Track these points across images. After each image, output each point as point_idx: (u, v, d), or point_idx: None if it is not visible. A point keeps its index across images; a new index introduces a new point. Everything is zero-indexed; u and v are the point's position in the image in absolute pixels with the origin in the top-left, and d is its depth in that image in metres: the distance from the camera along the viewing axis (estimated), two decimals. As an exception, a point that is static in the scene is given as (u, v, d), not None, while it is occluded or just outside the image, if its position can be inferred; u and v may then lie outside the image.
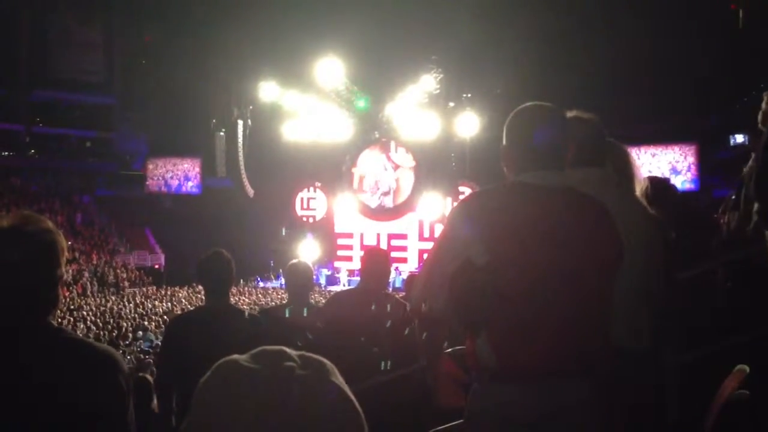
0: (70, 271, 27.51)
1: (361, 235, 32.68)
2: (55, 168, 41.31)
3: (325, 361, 0.90)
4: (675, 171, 33.00)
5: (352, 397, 0.88)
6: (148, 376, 5.91)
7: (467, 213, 2.11)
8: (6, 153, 41.14)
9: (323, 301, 18.31)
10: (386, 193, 31.98)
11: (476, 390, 2.12)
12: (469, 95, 29.92)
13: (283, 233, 33.79)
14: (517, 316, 1.99)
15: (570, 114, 2.59)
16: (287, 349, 0.89)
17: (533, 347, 1.99)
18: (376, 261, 4.23)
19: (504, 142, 2.24)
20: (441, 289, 2.09)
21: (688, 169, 33.49)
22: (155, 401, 4.40)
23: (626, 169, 2.73)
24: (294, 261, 4.72)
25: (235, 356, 0.89)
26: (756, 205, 3.02)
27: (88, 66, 44.56)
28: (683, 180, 31.97)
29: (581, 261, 2.04)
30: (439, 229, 30.97)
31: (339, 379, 0.88)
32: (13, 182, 38.60)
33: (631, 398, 2.35)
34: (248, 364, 0.87)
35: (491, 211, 2.07)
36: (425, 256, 2.27)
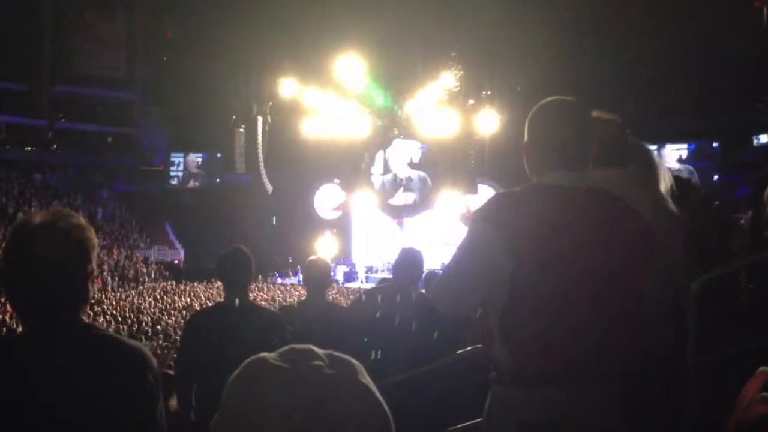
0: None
1: (380, 232, 32.71)
2: (77, 163, 41.67)
3: (353, 360, 0.90)
4: (698, 169, 32.72)
5: (380, 397, 0.88)
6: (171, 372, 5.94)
7: (489, 217, 2.03)
8: (29, 148, 41.56)
9: (341, 297, 18.23)
10: (404, 191, 31.97)
11: (496, 392, 2.10)
12: (489, 92, 29.86)
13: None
14: (537, 320, 1.96)
15: (594, 113, 2.55)
16: (315, 348, 0.90)
17: (552, 352, 1.96)
18: (410, 260, 4.25)
19: (525, 138, 2.18)
20: (469, 295, 2.09)
21: (711, 168, 33.19)
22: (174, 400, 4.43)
23: (650, 170, 2.69)
24: (313, 257, 4.76)
25: (264, 354, 0.90)
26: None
27: (110, 62, 44.93)
28: (705, 178, 31.66)
29: (608, 263, 2.00)
30: (457, 227, 31.00)
31: (366, 379, 0.89)
32: (36, 177, 38.98)
33: (652, 400, 2.34)
34: (277, 363, 0.87)
35: (514, 214, 2.00)
36: (448, 258, 2.21)
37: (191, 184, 45.13)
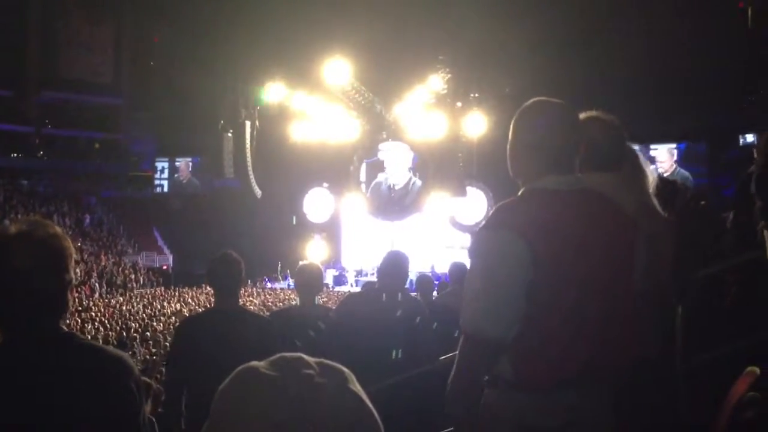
0: (79, 272, 27.55)
1: (369, 235, 32.71)
2: (64, 169, 41.44)
3: (343, 368, 0.90)
4: (685, 169, 32.92)
5: (370, 405, 0.88)
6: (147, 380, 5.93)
7: (509, 225, 1.96)
8: (15, 155, 41.29)
9: (330, 302, 18.26)
10: (393, 193, 31.95)
11: (490, 395, 2.10)
12: (477, 95, 29.88)
13: (294, 222, 33.73)
14: (543, 329, 1.95)
15: (591, 114, 2.54)
16: (305, 356, 0.89)
17: (555, 360, 1.96)
18: (396, 262, 4.23)
19: (510, 139, 2.16)
20: (512, 310, 1.94)
21: (698, 168, 33.40)
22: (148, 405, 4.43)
23: (637, 172, 2.70)
24: (304, 262, 4.76)
25: (254, 363, 0.89)
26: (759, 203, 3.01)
27: (97, 67, 44.73)
28: (693, 179, 31.84)
29: (610, 265, 2.01)
30: (446, 230, 31.01)
31: (357, 387, 0.88)
32: (22, 184, 38.74)
33: (643, 402, 2.34)
34: (267, 372, 0.87)
35: (530, 222, 1.96)
36: (469, 278, 2.07)
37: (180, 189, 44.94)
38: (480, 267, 2.02)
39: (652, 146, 33.55)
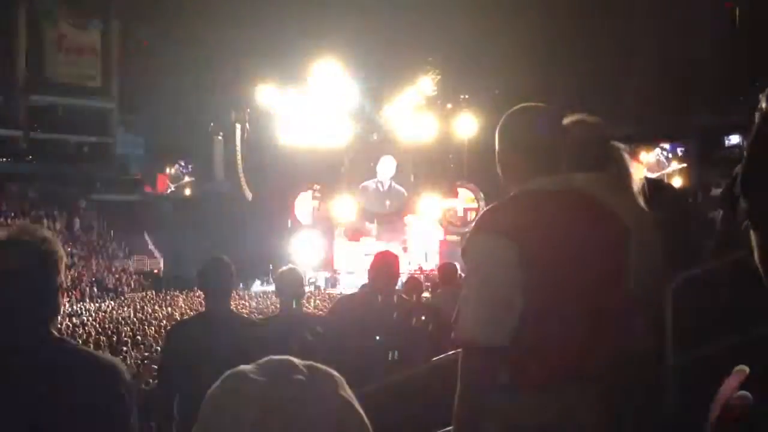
0: (69, 276, 27.42)
1: (360, 238, 32.68)
2: (53, 173, 41.19)
3: (334, 372, 0.89)
4: (671, 169, 33.07)
5: (361, 411, 0.87)
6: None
7: (497, 229, 1.96)
8: (3, 159, 41.03)
9: (324, 304, 18.16)
10: (384, 195, 31.98)
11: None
12: (467, 96, 29.98)
13: (289, 225, 33.72)
14: (534, 329, 1.94)
15: (574, 118, 2.56)
16: (295, 360, 0.88)
17: (547, 360, 1.96)
18: (386, 263, 4.20)
19: (497, 144, 2.17)
20: (508, 315, 1.91)
21: (686, 167, 33.55)
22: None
23: (624, 171, 2.71)
24: (283, 269, 4.67)
25: (242, 367, 0.88)
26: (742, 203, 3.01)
27: (86, 70, 44.55)
28: (680, 179, 31.98)
29: (600, 264, 2.01)
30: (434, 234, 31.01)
31: (348, 392, 0.87)
32: (11, 188, 38.50)
33: (633, 400, 2.35)
34: (255, 377, 0.86)
35: (520, 223, 1.96)
36: (463, 282, 2.08)
37: (170, 193, 44.86)
38: (471, 273, 2.02)
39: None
